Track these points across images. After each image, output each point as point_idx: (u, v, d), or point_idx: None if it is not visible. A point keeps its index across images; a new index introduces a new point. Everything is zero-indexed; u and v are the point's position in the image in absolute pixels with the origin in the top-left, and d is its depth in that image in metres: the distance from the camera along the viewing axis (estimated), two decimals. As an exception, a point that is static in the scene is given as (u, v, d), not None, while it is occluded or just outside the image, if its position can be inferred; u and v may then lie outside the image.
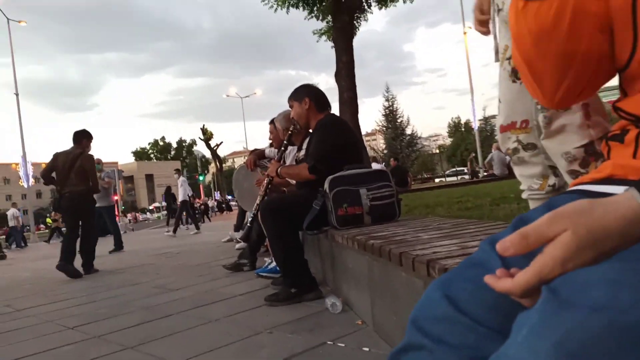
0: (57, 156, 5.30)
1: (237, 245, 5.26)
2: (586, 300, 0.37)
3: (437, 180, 34.84)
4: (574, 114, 1.33)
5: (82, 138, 5.37)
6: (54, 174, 5.32)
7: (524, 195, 1.58)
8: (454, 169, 47.61)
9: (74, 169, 5.15)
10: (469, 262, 0.59)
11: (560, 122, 1.35)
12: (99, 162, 7.69)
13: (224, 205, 33.46)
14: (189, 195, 11.64)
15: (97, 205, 6.01)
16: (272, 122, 3.85)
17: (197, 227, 11.75)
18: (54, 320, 2.83)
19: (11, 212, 16.53)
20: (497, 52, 1.50)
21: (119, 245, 8.05)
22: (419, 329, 0.55)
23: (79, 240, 5.25)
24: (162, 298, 3.12)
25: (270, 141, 3.92)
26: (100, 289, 3.95)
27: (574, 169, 1.34)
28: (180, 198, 11.53)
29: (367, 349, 1.63)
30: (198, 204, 22.13)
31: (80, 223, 5.28)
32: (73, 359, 1.95)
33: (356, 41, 11.67)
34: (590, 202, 0.43)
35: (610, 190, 0.54)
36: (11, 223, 16.21)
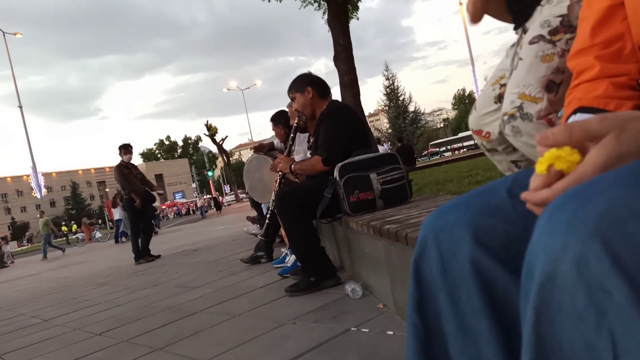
0: None
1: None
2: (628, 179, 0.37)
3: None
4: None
5: (118, 151, 6.62)
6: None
7: None
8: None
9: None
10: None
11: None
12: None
13: (204, 206, 29.75)
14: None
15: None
16: (272, 120, 3.89)
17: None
18: (82, 327, 2.89)
19: (118, 211, 17.12)
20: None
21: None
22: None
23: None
24: (185, 297, 3.17)
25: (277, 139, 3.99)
26: (123, 292, 4.01)
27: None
28: None
29: (391, 333, 1.65)
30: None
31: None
32: (105, 365, 2.00)
33: (353, 21, 11.52)
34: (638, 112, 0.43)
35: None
36: (116, 216, 16.42)
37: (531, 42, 1.47)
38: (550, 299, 0.37)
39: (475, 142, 1.91)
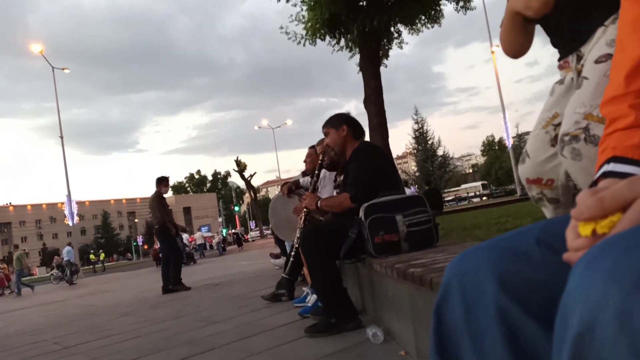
0: None
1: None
2: None
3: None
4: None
5: (157, 183, 6.88)
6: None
7: None
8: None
9: (151, 209, 6.98)
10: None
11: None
12: None
13: (220, 243, 29.35)
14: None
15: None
16: (312, 147, 3.97)
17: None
18: (101, 357, 2.90)
19: (185, 236, 17.84)
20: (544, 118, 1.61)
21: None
22: None
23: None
24: (205, 331, 3.16)
25: (305, 163, 4.05)
26: (145, 323, 4.02)
27: None
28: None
29: (412, 381, 1.60)
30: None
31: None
32: (122, 396, 1.99)
33: (384, 66, 11.71)
34: None
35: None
36: (200, 240, 16.96)
37: (598, 61, 1.36)
38: (589, 352, 0.35)
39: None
